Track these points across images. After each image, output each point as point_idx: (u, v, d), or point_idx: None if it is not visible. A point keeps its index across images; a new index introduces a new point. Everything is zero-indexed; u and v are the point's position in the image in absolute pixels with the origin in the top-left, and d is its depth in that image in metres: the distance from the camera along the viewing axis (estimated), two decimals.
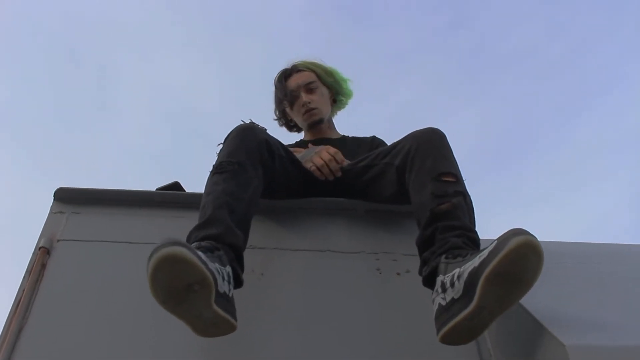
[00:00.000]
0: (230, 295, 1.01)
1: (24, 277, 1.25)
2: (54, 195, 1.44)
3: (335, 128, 2.03)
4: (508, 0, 6.27)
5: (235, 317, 1.01)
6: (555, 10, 6.14)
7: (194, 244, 1.02)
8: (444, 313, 0.96)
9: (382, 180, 1.39)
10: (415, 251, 1.14)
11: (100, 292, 1.25)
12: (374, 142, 1.92)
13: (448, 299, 0.95)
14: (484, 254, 0.89)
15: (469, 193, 1.17)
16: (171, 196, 1.47)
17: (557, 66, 6.25)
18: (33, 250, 1.31)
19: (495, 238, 0.89)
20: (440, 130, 1.30)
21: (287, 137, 2.17)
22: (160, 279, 0.86)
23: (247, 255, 1.18)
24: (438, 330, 0.97)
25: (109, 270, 1.29)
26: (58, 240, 1.34)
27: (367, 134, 2.00)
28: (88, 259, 1.32)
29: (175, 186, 1.51)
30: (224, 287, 0.97)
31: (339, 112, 2.10)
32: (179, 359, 1.14)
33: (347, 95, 2.05)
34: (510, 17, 6.27)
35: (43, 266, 1.28)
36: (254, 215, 1.26)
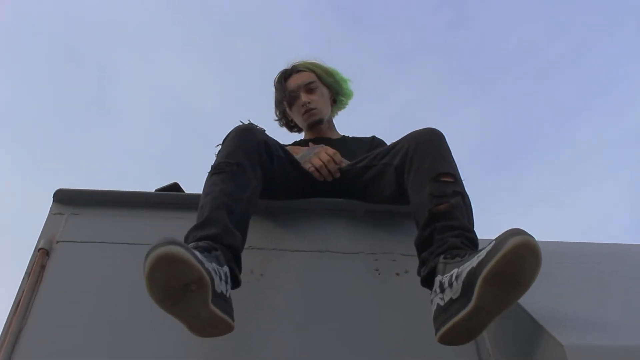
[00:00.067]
0: (227, 295, 1.01)
1: (23, 278, 1.26)
2: (53, 197, 1.44)
3: (335, 128, 2.03)
4: (508, 0, 6.27)
5: (232, 318, 1.01)
6: (555, 10, 6.14)
7: (191, 244, 1.02)
8: (442, 313, 0.96)
9: (381, 180, 1.40)
10: (414, 251, 1.14)
11: (99, 293, 1.25)
12: (373, 143, 1.92)
13: (446, 299, 0.95)
14: (482, 255, 0.89)
15: (468, 193, 1.18)
16: (170, 197, 1.47)
17: (557, 66, 6.25)
18: (32, 251, 1.32)
19: (494, 238, 0.89)
20: (438, 131, 1.30)
21: (287, 138, 2.18)
22: (157, 278, 0.86)
23: (246, 256, 1.18)
24: (436, 330, 0.97)
25: (108, 271, 1.30)
26: (57, 242, 1.34)
27: (367, 134, 2.00)
28: (87, 260, 1.32)
29: (175, 187, 1.51)
30: (221, 287, 0.97)
31: (339, 113, 2.09)
32: (178, 359, 1.14)
33: (348, 95, 2.05)
34: (510, 17, 6.28)
35: (42, 267, 1.28)
36: (252, 216, 1.26)
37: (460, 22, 6.34)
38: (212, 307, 0.93)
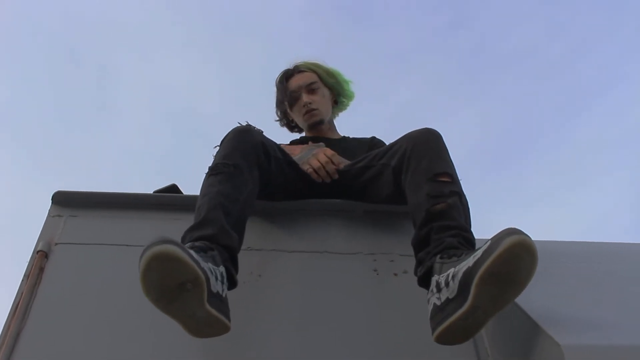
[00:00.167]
0: (223, 295, 1.01)
1: (22, 280, 1.26)
2: (51, 199, 1.44)
3: (335, 129, 2.03)
4: (508, 0, 6.27)
5: (228, 318, 1.01)
6: (555, 10, 6.14)
7: (187, 244, 1.03)
8: (438, 313, 0.96)
9: (379, 181, 1.40)
10: (413, 252, 1.14)
11: (98, 295, 1.25)
12: (373, 143, 1.92)
13: (443, 298, 0.95)
14: (478, 254, 0.89)
15: (465, 193, 1.18)
16: (169, 199, 1.48)
17: (557, 66, 6.25)
18: (31, 253, 1.32)
19: (490, 238, 0.89)
20: (436, 131, 1.30)
21: (287, 137, 2.18)
22: (152, 277, 0.86)
23: (245, 257, 1.18)
24: (433, 330, 0.97)
25: (107, 273, 1.30)
26: (56, 244, 1.34)
27: (367, 134, 2.01)
28: (86, 262, 1.32)
29: (173, 189, 1.52)
30: (217, 287, 0.97)
31: (339, 114, 2.10)
32: None
33: (349, 96, 2.06)
34: (510, 17, 6.27)
35: (41, 270, 1.28)
36: (251, 217, 1.27)
37: (460, 22, 6.34)
38: (208, 306, 0.93)
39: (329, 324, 1.22)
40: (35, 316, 1.20)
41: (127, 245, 1.34)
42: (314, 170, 1.49)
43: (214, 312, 0.94)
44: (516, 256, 0.85)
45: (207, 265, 0.95)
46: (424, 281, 1.06)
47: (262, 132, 1.43)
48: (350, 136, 2.01)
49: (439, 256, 1.03)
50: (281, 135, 2.21)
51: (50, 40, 5.90)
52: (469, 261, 0.91)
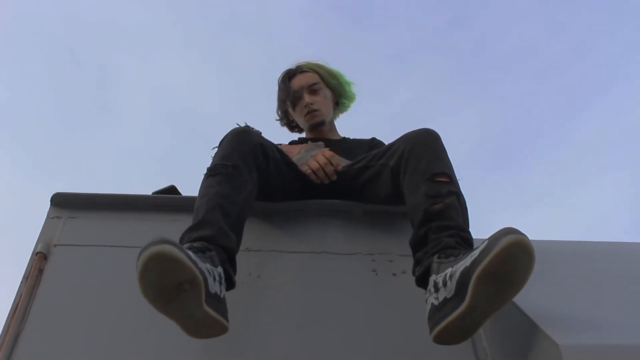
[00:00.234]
0: (221, 296, 1.01)
1: (21, 282, 1.26)
2: (50, 201, 1.45)
3: (336, 130, 2.04)
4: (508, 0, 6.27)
5: (227, 318, 1.01)
6: (555, 10, 6.14)
7: (185, 245, 1.03)
8: (436, 312, 0.96)
9: (377, 181, 1.40)
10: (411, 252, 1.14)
11: (97, 296, 1.25)
12: (373, 144, 1.92)
13: (441, 298, 0.95)
14: (475, 254, 0.89)
15: (463, 193, 1.18)
16: (167, 200, 1.48)
17: (557, 65, 6.24)
18: (30, 255, 1.32)
19: (487, 237, 0.89)
20: (434, 131, 1.31)
21: (286, 138, 2.18)
22: (150, 277, 0.86)
23: (244, 258, 1.19)
24: (431, 329, 0.97)
25: (106, 274, 1.30)
26: (55, 245, 1.35)
27: (367, 134, 2.01)
28: (85, 263, 1.32)
29: (171, 190, 1.52)
30: (215, 287, 0.97)
31: (340, 115, 2.10)
32: None
33: (350, 98, 2.06)
34: (509, 17, 6.27)
35: (40, 271, 1.28)
36: (249, 218, 1.27)
37: (460, 21, 6.34)
38: (206, 307, 0.93)
39: (328, 324, 1.22)
40: (35, 318, 1.20)
41: (126, 246, 1.34)
42: (313, 171, 1.50)
43: (211, 312, 0.94)
44: (513, 256, 0.85)
45: (205, 266, 0.95)
46: (422, 281, 1.06)
47: (261, 133, 1.43)
48: (351, 137, 2.01)
49: (436, 256, 1.03)
50: (280, 136, 2.21)
51: (50, 41, 5.91)
52: (467, 261, 0.91)
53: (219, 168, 1.24)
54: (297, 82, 1.94)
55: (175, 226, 1.23)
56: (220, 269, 1.02)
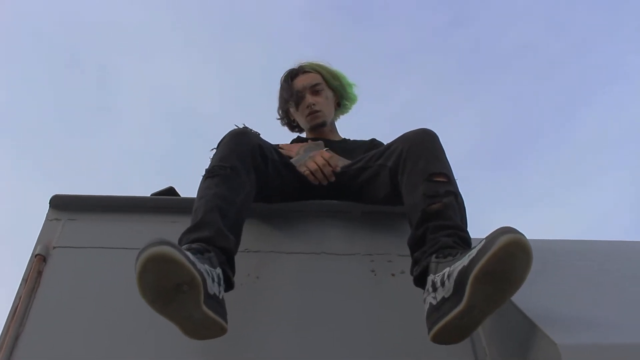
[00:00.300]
0: (220, 297, 1.01)
1: (20, 284, 1.26)
2: (49, 203, 1.45)
3: (337, 131, 2.04)
4: None
5: (225, 319, 1.01)
6: (554, 8, 6.14)
7: (184, 246, 1.03)
8: (434, 312, 0.96)
9: (375, 182, 1.40)
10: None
11: (96, 298, 1.25)
12: (372, 145, 1.92)
13: (439, 298, 0.96)
14: (472, 253, 0.89)
15: (461, 193, 1.18)
16: (166, 201, 1.48)
17: (557, 64, 6.24)
18: (29, 257, 1.32)
19: (485, 236, 0.90)
20: (432, 131, 1.31)
21: (286, 138, 2.18)
22: (148, 278, 0.86)
23: (242, 259, 1.19)
24: (429, 329, 0.97)
25: (105, 276, 1.30)
26: (54, 247, 1.35)
27: (367, 134, 2.01)
28: (84, 265, 1.32)
29: (170, 191, 1.52)
30: (213, 288, 0.97)
31: (341, 116, 2.10)
32: None
33: (352, 100, 2.06)
34: (509, 16, 6.27)
35: (39, 273, 1.29)
36: (248, 219, 1.27)
37: (460, 21, 6.34)
38: (205, 308, 0.93)
39: (327, 324, 1.22)
40: (34, 320, 1.20)
41: (125, 248, 1.34)
42: (311, 172, 1.50)
43: (210, 313, 0.95)
44: (511, 255, 0.85)
45: (204, 267, 0.95)
46: (420, 281, 1.06)
47: (259, 134, 1.43)
48: (351, 138, 2.01)
49: (434, 256, 1.03)
50: (279, 137, 2.21)
51: (50, 42, 5.92)
52: (464, 260, 0.91)
53: (217, 169, 1.24)
54: (300, 82, 1.95)
55: (174, 228, 1.23)
56: (219, 270, 1.02)
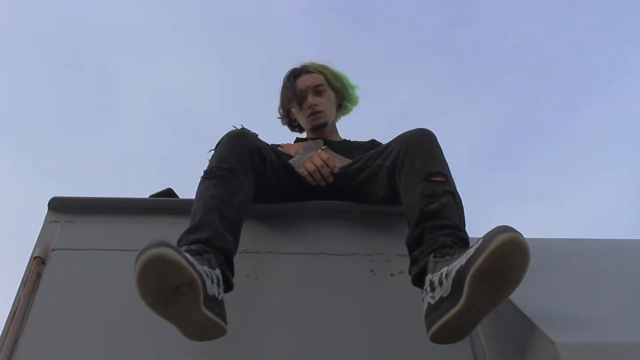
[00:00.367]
0: (220, 298, 1.01)
1: (19, 287, 1.27)
2: (48, 205, 1.45)
3: (337, 132, 2.04)
4: None
5: (225, 321, 1.01)
6: (553, 6, 6.14)
7: (183, 248, 1.03)
8: (433, 312, 0.96)
9: (374, 182, 1.40)
10: None
11: (95, 300, 1.25)
12: (372, 146, 1.92)
13: (437, 297, 0.96)
14: (470, 252, 0.89)
15: (459, 193, 1.18)
16: (165, 203, 1.48)
17: (557, 62, 6.24)
18: (28, 259, 1.32)
19: (482, 236, 0.89)
20: (429, 131, 1.31)
21: (285, 138, 2.18)
22: (148, 280, 0.87)
23: (241, 260, 1.19)
24: (428, 329, 0.97)
25: (104, 278, 1.30)
26: (53, 250, 1.35)
27: (367, 134, 2.02)
28: (83, 267, 1.33)
29: (169, 193, 1.52)
30: (213, 289, 0.97)
31: (341, 118, 2.11)
32: None
33: (353, 101, 2.07)
34: (509, 15, 6.27)
35: (38, 276, 1.29)
36: (246, 220, 1.27)
37: (459, 20, 6.34)
38: (204, 309, 0.93)
39: (326, 325, 1.22)
40: (33, 322, 1.20)
41: (123, 250, 1.35)
42: (309, 173, 1.50)
43: (210, 315, 0.95)
44: (508, 254, 0.85)
45: (203, 269, 0.96)
46: (418, 280, 1.06)
47: (257, 135, 1.43)
48: (351, 139, 2.01)
49: (432, 255, 1.03)
50: (278, 137, 2.21)
51: (49, 43, 5.92)
52: (462, 259, 0.91)
53: (216, 171, 1.24)
54: (303, 82, 1.95)
55: (173, 229, 1.24)
56: (218, 271, 1.03)
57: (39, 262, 1.30)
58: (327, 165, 1.50)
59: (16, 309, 1.21)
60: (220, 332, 1.01)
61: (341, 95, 2.02)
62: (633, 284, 1.18)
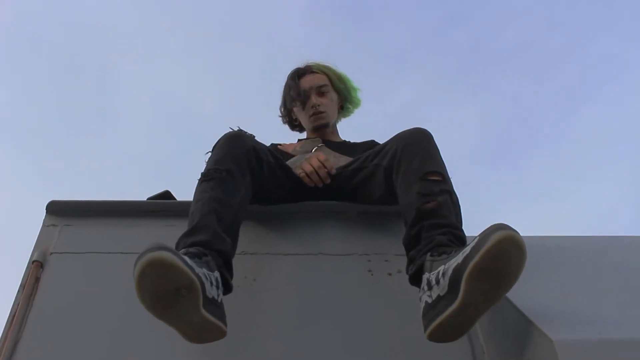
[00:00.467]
0: (219, 300, 1.01)
1: (18, 291, 1.26)
2: (46, 209, 1.45)
3: (337, 133, 2.05)
4: None
5: (225, 323, 1.01)
6: (552, 3, 6.14)
7: (181, 250, 1.03)
8: (430, 310, 0.96)
9: (371, 182, 1.40)
10: None
11: (94, 303, 1.25)
12: (371, 146, 1.92)
13: (434, 296, 0.96)
14: (466, 250, 0.90)
15: (456, 191, 1.18)
16: (162, 205, 1.48)
17: (557, 60, 6.24)
18: (27, 263, 1.32)
19: (478, 234, 0.89)
20: (426, 130, 1.31)
21: (283, 138, 2.18)
22: (147, 283, 0.87)
23: (239, 261, 1.19)
24: (425, 328, 0.97)
25: (102, 281, 1.30)
26: (51, 253, 1.35)
27: (367, 133, 2.02)
28: (81, 271, 1.33)
29: (166, 195, 1.52)
30: (212, 292, 0.97)
31: (342, 119, 2.11)
32: None
33: (355, 104, 2.08)
34: (507, 13, 6.27)
35: (37, 280, 1.29)
36: (244, 221, 1.27)
37: (458, 19, 6.34)
38: (204, 312, 0.93)
39: (325, 325, 1.22)
40: (32, 326, 1.20)
41: (122, 252, 1.35)
42: (307, 174, 1.50)
43: (210, 317, 0.95)
44: (505, 251, 0.85)
45: (202, 271, 0.96)
46: (416, 279, 1.06)
47: (254, 136, 1.43)
48: (351, 140, 2.01)
49: (429, 254, 1.03)
50: (276, 138, 2.21)
51: (49, 45, 5.93)
52: (458, 258, 0.91)
53: (213, 173, 1.24)
54: (307, 82, 1.95)
55: (171, 231, 1.24)
56: (216, 274, 1.03)
57: (37, 266, 1.30)
58: (325, 167, 1.50)
59: (15, 312, 1.21)
60: (220, 334, 1.01)
61: (344, 97, 2.02)
62: (630, 280, 1.18)
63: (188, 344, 1.01)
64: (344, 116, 2.09)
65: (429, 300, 0.97)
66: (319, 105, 1.91)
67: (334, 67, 2.02)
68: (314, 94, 1.92)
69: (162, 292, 0.88)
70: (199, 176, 1.27)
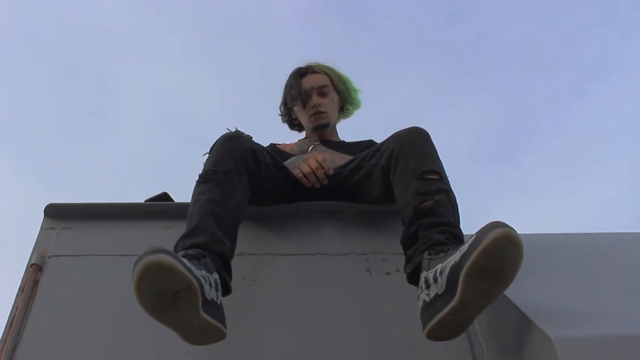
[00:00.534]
0: (218, 302, 1.02)
1: (17, 294, 1.26)
2: (44, 212, 1.45)
3: (337, 134, 2.05)
4: None
5: (224, 324, 1.01)
6: (551, 1, 6.14)
7: (180, 253, 1.03)
8: (428, 309, 0.96)
9: (368, 181, 1.40)
10: None
11: (93, 306, 1.25)
12: (370, 146, 1.92)
13: (432, 294, 0.96)
14: (464, 248, 0.90)
15: (453, 190, 1.18)
16: (160, 207, 1.48)
17: (556, 56, 6.24)
18: (25, 267, 1.32)
19: (475, 232, 0.89)
20: (423, 129, 1.31)
21: (283, 138, 2.18)
22: (146, 286, 0.87)
23: (238, 262, 1.19)
24: (424, 326, 0.98)
25: (101, 284, 1.30)
26: (50, 257, 1.35)
27: (366, 132, 2.03)
28: (80, 273, 1.33)
29: (164, 197, 1.52)
30: (211, 294, 0.97)
31: (342, 120, 2.11)
32: None
33: (356, 105, 2.08)
34: (506, 10, 6.27)
35: (35, 283, 1.29)
36: (243, 222, 1.27)
37: (456, 17, 6.34)
38: (203, 314, 0.93)
39: (324, 325, 1.23)
40: (31, 329, 1.20)
41: (120, 255, 1.35)
42: (304, 175, 1.50)
43: (209, 319, 0.95)
44: (502, 249, 0.85)
45: (201, 273, 0.96)
46: (413, 278, 1.06)
47: (251, 137, 1.43)
48: (350, 140, 2.01)
49: (427, 252, 1.03)
50: (275, 139, 2.21)
51: (48, 49, 5.93)
52: (456, 256, 0.91)
53: (210, 174, 1.24)
54: (308, 81, 1.95)
55: (169, 233, 1.24)
56: (215, 275, 1.03)
57: (36, 269, 1.30)
58: (322, 167, 1.50)
59: (14, 316, 1.21)
60: (220, 336, 1.01)
61: (344, 98, 2.03)
62: (629, 277, 1.18)
63: (187, 346, 1.01)
64: (344, 117, 2.09)
65: (427, 299, 0.97)
66: (319, 105, 1.91)
67: (335, 68, 2.02)
68: (315, 93, 1.92)
69: (161, 294, 0.88)
70: (197, 177, 1.27)
